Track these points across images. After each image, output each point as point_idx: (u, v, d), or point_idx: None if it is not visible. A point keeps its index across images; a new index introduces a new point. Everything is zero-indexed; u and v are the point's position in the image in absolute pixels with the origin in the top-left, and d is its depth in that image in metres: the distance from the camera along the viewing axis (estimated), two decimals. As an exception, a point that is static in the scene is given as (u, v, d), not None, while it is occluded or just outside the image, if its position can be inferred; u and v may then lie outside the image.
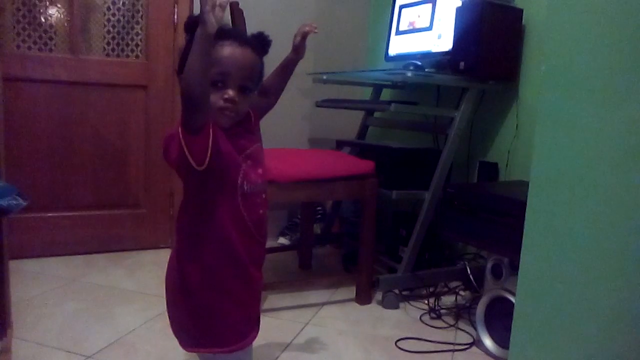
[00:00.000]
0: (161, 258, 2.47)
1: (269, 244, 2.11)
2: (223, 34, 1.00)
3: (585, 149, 1.02)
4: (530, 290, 1.15)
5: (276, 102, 1.25)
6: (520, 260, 1.14)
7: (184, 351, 1.09)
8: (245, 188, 1.04)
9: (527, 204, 1.11)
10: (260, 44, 1.07)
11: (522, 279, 1.15)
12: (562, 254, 1.08)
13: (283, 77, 1.24)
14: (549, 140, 1.07)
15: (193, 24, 0.97)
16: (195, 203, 1.05)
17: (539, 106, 1.09)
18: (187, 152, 0.93)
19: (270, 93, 1.22)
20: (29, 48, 2.30)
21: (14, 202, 1.11)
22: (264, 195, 1.09)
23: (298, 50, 1.20)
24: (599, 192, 1.01)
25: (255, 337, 1.11)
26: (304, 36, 1.19)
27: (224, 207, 1.03)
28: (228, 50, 1.00)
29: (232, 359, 1.07)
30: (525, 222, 1.11)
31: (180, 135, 0.93)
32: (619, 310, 1.01)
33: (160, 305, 1.89)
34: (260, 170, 1.08)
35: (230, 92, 0.99)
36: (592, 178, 1.02)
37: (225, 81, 0.99)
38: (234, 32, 1.05)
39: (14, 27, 2.27)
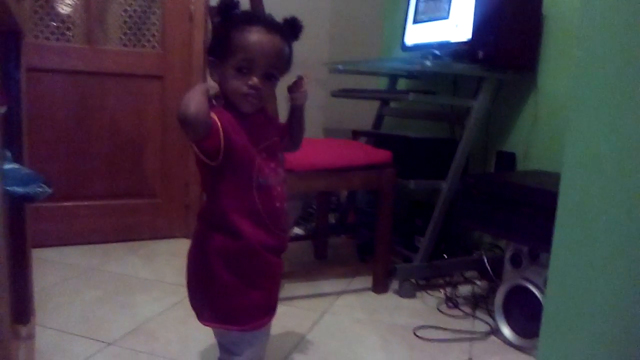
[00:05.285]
0: (177, 247, 2.49)
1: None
2: (252, 19, 1.01)
3: (620, 136, 1.00)
4: (561, 283, 1.13)
5: (296, 149, 1.23)
6: (552, 252, 1.12)
7: (203, 338, 1.10)
8: (260, 181, 1.04)
9: (559, 194, 1.09)
10: (291, 29, 1.06)
11: (553, 271, 1.14)
12: (595, 246, 1.06)
13: (293, 127, 1.19)
14: (583, 128, 1.05)
15: (226, 6, 0.98)
16: (209, 192, 1.07)
17: (572, 92, 1.07)
18: (198, 152, 0.96)
19: (290, 142, 1.20)
20: (47, 38, 2.32)
21: (40, 189, 1.12)
22: (279, 188, 1.09)
23: (294, 99, 1.16)
24: (634, 182, 1.00)
25: (269, 320, 1.12)
26: (296, 84, 1.14)
27: (237, 199, 1.04)
28: (255, 37, 0.99)
29: (247, 338, 1.09)
30: (557, 213, 1.09)
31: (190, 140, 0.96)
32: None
33: (177, 293, 1.91)
34: (273, 165, 1.08)
35: (255, 79, 0.99)
36: (628, 167, 1.00)
37: (250, 67, 0.99)
38: (263, 17, 1.04)
39: (32, 17, 2.28)
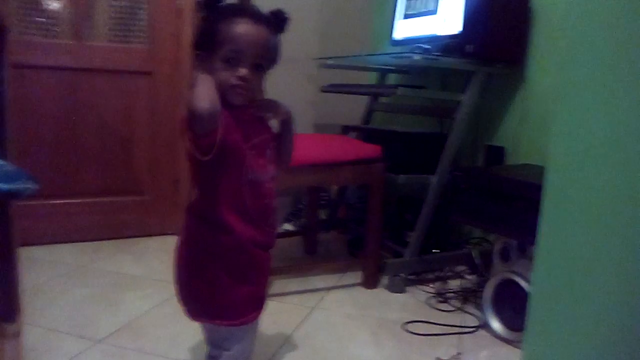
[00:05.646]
0: (167, 244, 2.47)
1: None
2: (238, 11, 1.01)
3: (606, 129, 1.01)
4: (547, 275, 1.14)
5: (285, 166, 1.19)
6: (537, 244, 1.13)
7: (192, 334, 1.10)
8: (250, 177, 1.04)
9: (544, 186, 1.09)
10: (277, 21, 1.05)
11: (539, 264, 1.14)
12: (580, 239, 1.07)
13: (281, 142, 1.15)
14: (568, 120, 1.05)
15: (210, 1, 0.99)
16: (199, 186, 1.07)
17: (559, 84, 1.07)
18: (192, 147, 0.96)
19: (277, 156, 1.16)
20: (33, 34, 2.29)
21: (25, 186, 1.11)
22: (268, 185, 1.09)
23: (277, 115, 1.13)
24: (620, 173, 1.00)
25: (258, 315, 1.12)
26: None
27: (227, 194, 1.04)
28: (242, 28, 0.99)
29: (236, 333, 1.09)
30: (542, 206, 1.10)
31: (187, 134, 0.95)
32: None
33: (167, 290, 1.90)
34: (261, 161, 1.07)
35: (243, 71, 0.99)
36: (614, 159, 1.00)
37: (238, 59, 0.99)
38: (249, 9, 1.04)
39: (17, 13, 2.25)
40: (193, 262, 1.07)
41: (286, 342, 1.61)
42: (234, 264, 1.06)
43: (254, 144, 1.05)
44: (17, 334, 1.42)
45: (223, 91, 1.00)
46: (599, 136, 1.02)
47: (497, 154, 2.20)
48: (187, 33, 2.49)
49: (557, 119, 1.08)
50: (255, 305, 1.11)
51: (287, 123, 1.15)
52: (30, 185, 1.10)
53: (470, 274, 2.14)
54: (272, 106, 1.12)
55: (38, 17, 2.29)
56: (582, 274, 1.07)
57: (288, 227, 2.80)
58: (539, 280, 1.16)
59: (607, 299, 1.04)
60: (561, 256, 1.11)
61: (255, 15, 1.02)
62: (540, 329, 1.16)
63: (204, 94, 0.92)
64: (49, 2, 2.31)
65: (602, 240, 1.04)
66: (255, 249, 1.08)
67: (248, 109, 1.06)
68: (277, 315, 1.77)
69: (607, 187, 1.02)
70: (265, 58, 1.02)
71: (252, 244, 1.07)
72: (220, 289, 1.06)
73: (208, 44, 1.00)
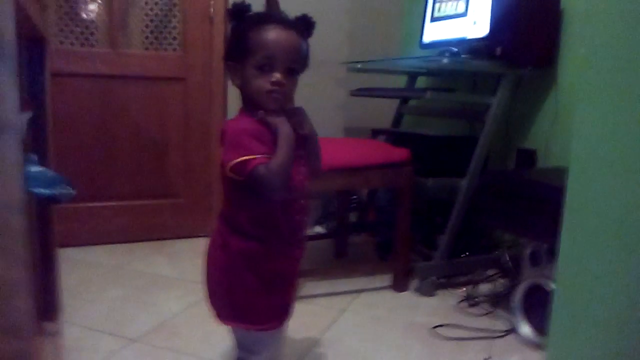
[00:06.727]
0: (200, 246, 2.49)
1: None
2: (266, 18, 1.03)
3: (625, 132, 1.00)
4: (569, 277, 1.14)
5: (316, 177, 1.16)
6: (559, 246, 1.13)
7: (225, 335, 1.13)
8: (285, 196, 1.04)
9: (566, 189, 1.09)
10: (304, 26, 1.07)
11: (562, 266, 1.14)
12: (602, 241, 1.06)
13: (309, 157, 1.12)
14: (589, 124, 1.05)
15: (239, 10, 1.01)
16: (231, 202, 1.09)
17: (578, 89, 1.07)
18: (230, 173, 0.99)
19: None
20: (72, 44, 2.38)
21: (64, 191, 1.16)
22: (302, 202, 1.10)
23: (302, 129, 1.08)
24: (637, 179, 0.99)
25: (286, 321, 1.14)
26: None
27: (259, 212, 1.06)
28: (273, 34, 1.00)
29: (265, 337, 1.11)
30: (564, 208, 1.10)
31: (228, 165, 0.98)
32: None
33: (200, 291, 1.92)
34: (298, 177, 1.07)
35: (278, 75, 1.00)
36: (633, 162, 1.00)
37: (272, 64, 1.00)
38: (278, 15, 1.06)
39: (57, 23, 2.34)
40: (226, 268, 1.09)
41: (315, 344, 1.63)
42: (266, 272, 1.08)
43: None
44: (57, 333, 1.48)
45: (258, 98, 1.02)
46: (621, 138, 1.02)
47: (528, 157, 2.17)
48: (219, 40, 2.54)
49: (578, 120, 1.07)
50: (282, 311, 1.13)
51: (311, 138, 1.11)
52: (68, 191, 1.15)
53: (501, 277, 2.12)
54: (299, 119, 1.08)
55: (76, 26, 2.37)
56: (604, 277, 1.07)
57: (319, 229, 2.82)
58: (562, 283, 1.15)
59: (628, 302, 1.03)
60: (583, 259, 1.10)
61: (284, 21, 1.04)
62: (563, 332, 1.16)
63: (284, 173, 0.97)
64: (87, 12, 2.39)
65: (624, 242, 1.03)
66: (285, 260, 1.11)
67: (281, 115, 1.04)
68: (306, 317, 1.79)
69: (629, 190, 1.01)
70: (297, 62, 1.04)
71: (283, 256, 1.10)
72: (252, 294, 1.08)
73: (239, 54, 1.02)
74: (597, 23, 1.07)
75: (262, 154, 0.97)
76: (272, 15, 1.05)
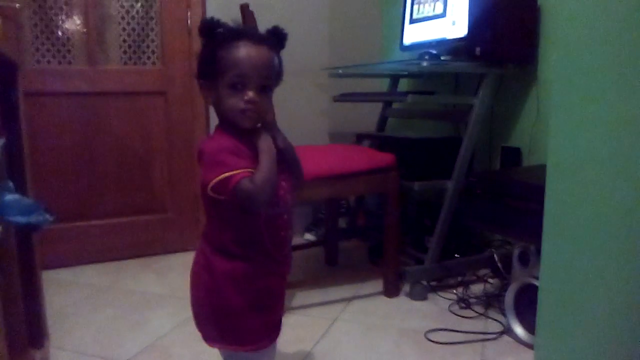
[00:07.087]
0: (189, 261, 2.47)
1: (295, 240, 2.12)
2: (236, 34, 1.00)
3: (600, 133, 1.00)
4: (553, 277, 1.13)
5: (300, 184, 1.15)
6: (542, 246, 1.12)
7: (216, 354, 1.11)
8: (269, 210, 1.03)
9: (545, 189, 1.09)
10: (276, 39, 1.04)
11: (545, 266, 1.14)
12: (583, 238, 1.06)
13: (289, 166, 1.11)
14: (564, 125, 1.05)
15: (208, 27, 0.99)
16: (213, 221, 1.07)
17: (552, 92, 1.07)
18: (212, 193, 0.98)
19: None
20: (48, 62, 2.35)
21: (41, 217, 1.14)
22: (285, 217, 1.08)
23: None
24: (615, 176, 0.99)
25: (275, 339, 1.13)
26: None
27: (242, 230, 1.04)
28: (244, 52, 0.98)
29: (254, 357, 1.09)
30: (545, 208, 1.09)
31: (209, 185, 0.97)
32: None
33: (190, 308, 1.92)
34: (280, 192, 1.05)
35: (250, 94, 0.98)
36: (608, 162, 1.00)
37: (244, 82, 0.98)
38: (248, 31, 1.04)
39: (33, 42, 2.31)
40: (212, 290, 1.07)
41: (307, 357, 1.61)
42: (251, 292, 1.06)
43: None
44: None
45: (232, 116, 1.00)
46: (594, 138, 1.02)
47: (513, 155, 2.17)
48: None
49: (553, 121, 1.07)
50: (271, 330, 1.12)
51: (287, 151, 1.09)
52: (45, 217, 1.13)
53: (493, 277, 2.12)
54: (272, 133, 1.06)
55: (52, 45, 2.34)
56: (587, 275, 1.07)
57: (308, 237, 2.81)
58: (546, 282, 1.15)
59: (613, 300, 1.03)
60: (565, 258, 1.10)
61: (255, 37, 1.01)
62: (550, 332, 1.15)
63: (270, 185, 0.96)
64: (63, 30, 2.36)
65: (604, 240, 1.03)
66: (271, 277, 1.09)
67: (258, 132, 1.03)
68: (298, 329, 1.77)
69: (606, 187, 1.01)
70: (270, 78, 1.01)
71: (268, 273, 1.08)
72: (238, 315, 1.06)
73: (211, 72, 1.00)
74: (573, 20, 1.06)
75: (244, 168, 0.96)
76: (242, 31, 1.02)
